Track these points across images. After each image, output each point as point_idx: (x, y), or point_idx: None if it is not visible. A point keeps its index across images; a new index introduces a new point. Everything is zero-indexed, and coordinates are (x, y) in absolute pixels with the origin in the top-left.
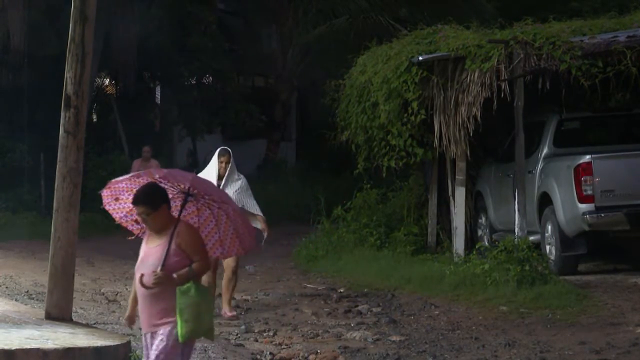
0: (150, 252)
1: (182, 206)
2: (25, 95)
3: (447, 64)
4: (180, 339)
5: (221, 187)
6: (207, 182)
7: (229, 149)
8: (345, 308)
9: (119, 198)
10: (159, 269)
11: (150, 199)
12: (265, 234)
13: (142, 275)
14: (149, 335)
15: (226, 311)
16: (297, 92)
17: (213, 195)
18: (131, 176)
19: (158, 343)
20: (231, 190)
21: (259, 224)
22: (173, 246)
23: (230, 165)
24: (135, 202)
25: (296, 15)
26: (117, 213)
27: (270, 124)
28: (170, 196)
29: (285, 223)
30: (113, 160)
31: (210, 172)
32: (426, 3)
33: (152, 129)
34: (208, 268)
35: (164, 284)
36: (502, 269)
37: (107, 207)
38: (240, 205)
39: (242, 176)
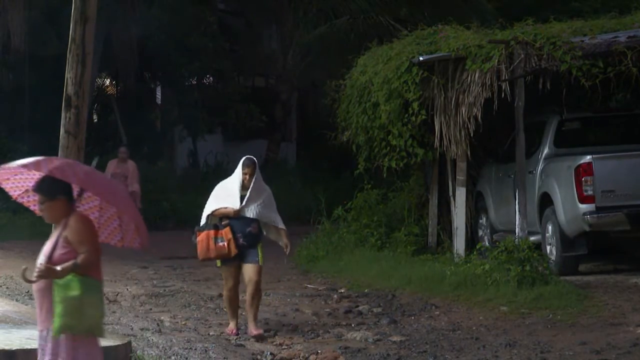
0: (46, 245)
1: (78, 196)
2: (25, 96)
3: (448, 65)
4: (53, 332)
5: (245, 198)
6: (104, 186)
7: (254, 158)
8: (346, 308)
9: (29, 190)
10: (43, 262)
11: (47, 187)
12: (287, 250)
13: (25, 268)
14: (46, 332)
15: (252, 330)
16: (297, 92)
17: (102, 201)
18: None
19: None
20: (254, 204)
21: (281, 240)
22: (60, 239)
23: (255, 176)
24: (33, 188)
25: (296, 15)
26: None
27: (270, 124)
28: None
29: (286, 223)
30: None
31: (233, 183)
32: (426, 3)
33: (152, 130)
34: (95, 261)
35: (47, 277)
36: (503, 269)
37: (19, 200)
38: (264, 221)
39: (267, 188)
